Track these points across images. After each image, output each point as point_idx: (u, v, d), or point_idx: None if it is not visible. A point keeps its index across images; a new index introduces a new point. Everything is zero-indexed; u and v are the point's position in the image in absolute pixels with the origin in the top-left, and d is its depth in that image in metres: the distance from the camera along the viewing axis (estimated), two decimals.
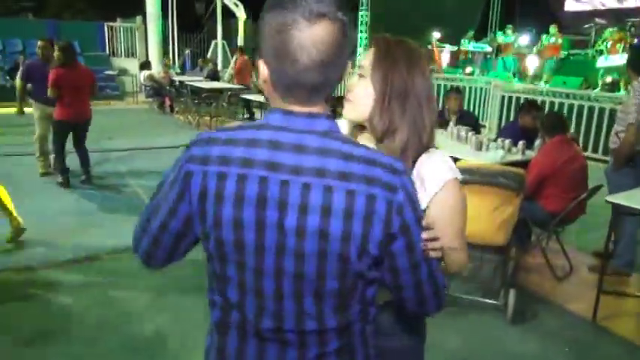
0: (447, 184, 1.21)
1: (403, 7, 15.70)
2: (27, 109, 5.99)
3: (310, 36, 0.86)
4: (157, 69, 12.53)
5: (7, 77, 11.33)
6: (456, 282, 3.31)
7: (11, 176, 5.91)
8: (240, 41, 13.77)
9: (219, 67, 13.69)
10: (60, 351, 2.72)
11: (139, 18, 14.48)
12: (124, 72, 14.05)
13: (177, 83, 11.22)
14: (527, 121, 4.64)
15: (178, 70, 13.92)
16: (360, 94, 1.25)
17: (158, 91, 11.41)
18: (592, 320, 3.14)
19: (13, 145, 7.17)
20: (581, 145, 7.38)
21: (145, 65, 12.08)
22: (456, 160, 3.50)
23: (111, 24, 14.95)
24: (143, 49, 14.40)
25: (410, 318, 1.31)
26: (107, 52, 14.81)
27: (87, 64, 13.51)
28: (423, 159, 1.25)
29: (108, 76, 13.53)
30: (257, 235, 0.90)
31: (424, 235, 0.96)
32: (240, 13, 12.80)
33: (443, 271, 1.09)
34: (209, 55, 14.93)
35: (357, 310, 0.98)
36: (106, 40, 14.78)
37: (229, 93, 9.43)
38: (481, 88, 10.47)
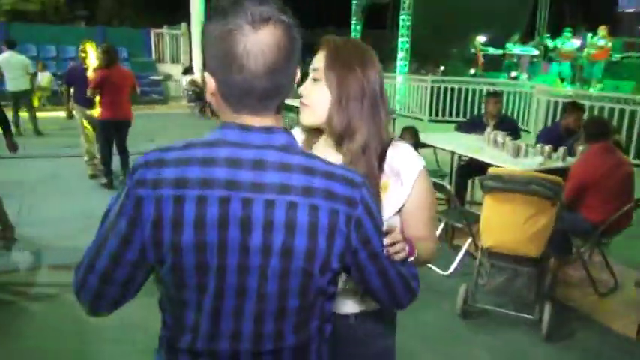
0: (420, 173, 1.26)
1: (446, 10, 15.42)
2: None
3: (256, 41, 0.84)
4: (198, 74, 12.79)
5: (60, 82, 11.89)
6: (487, 293, 3.17)
7: (59, 177, 6.18)
8: None
9: None
10: (82, 355, 2.78)
11: (184, 25, 14.87)
12: (168, 77, 14.46)
13: None
14: (570, 122, 4.47)
15: None
16: (317, 98, 1.24)
17: (199, 95, 11.66)
18: (636, 340, 2.93)
19: (64, 147, 7.50)
20: (633, 151, 7.04)
21: (188, 70, 12.38)
22: (489, 166, 3.38)
23: (157, 31, 15.42)
24: (187, 54, 14.77)
25: (385, 323, 1.39)
26: (153, 57, 15.29)
27: (134, 69, 14.04)
28: (392, 153, 1.26)
29: (153, 81, 13.95)
30: (219, 256, 0.87)
31: (386, 240, 0.98)
32: None
33: (414, 262, 1.12)
34: None
35: (315, 325, 0.98)
36: (153, 47, 15.26)
37: None
38: (526, 93, 10.12)
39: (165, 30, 15.53)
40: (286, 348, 0.94)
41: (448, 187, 3.60)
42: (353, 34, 15.40)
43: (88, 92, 5.30)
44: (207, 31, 0.88)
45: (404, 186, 1.25)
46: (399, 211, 1.27)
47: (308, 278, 0.90)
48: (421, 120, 11.42)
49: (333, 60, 1.21)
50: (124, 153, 5.72)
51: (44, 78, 11.39)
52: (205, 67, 0.91)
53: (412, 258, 1.09)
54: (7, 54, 8.16)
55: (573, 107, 4.65)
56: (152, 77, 13.92)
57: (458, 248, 3.79)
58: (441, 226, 4.00)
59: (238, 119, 0.90)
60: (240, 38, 0.84)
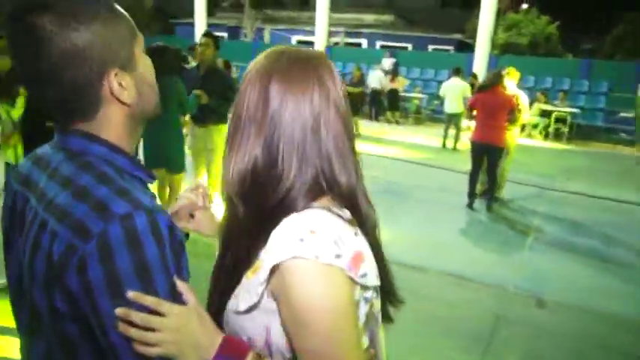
0: (280, 270, 0.78)
1: None
2: None
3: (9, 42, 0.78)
4: None
5: None
6: None
7: (445, 189, 6.69)
8: None
9: None
10: None
11: None
12: None
13: None
14: None
15: None
16: None
17: None
18: None
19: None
20: None
21: None
22: None
23: None
24: None
25: None
26: (638, 93, 13.44)
27: (607, 104, 12.93)
28: (285, 222, 0.82)
29: (624, 119, 12.37)
30: (10, 258, 0.87)
31: (119, 312, 0.71)
32: None
33: None
34: None
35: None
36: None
37: None
38: None
39: None
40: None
41: None
42: None
43: (465, 115, 5.53)
44: None
45: (257, 274, 0.82)
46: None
47: (40, 296, 0.77)
48: None
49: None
50: (490, 177, 5.63)
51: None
52: None
53: None
54: (452, 80, 9.25)
55: None
56: (622, 115, 12.37)
57: None
58: None
59: None
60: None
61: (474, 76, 10.05)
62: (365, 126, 11.31)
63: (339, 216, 0.83)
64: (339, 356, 0.78)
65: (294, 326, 0.79)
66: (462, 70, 9.28)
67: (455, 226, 5.19)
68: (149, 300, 0.72)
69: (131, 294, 0.70)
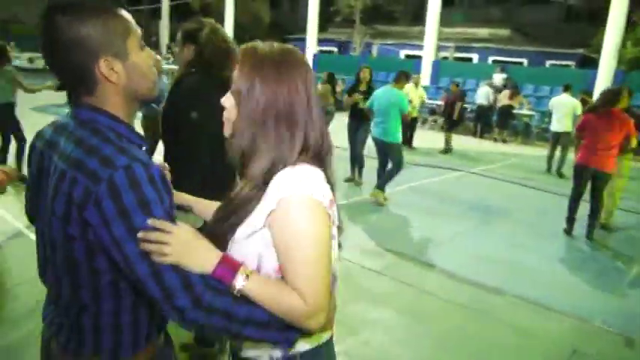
0: (283, 202, 1.04)
1: None
2: None
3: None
4: None
5: None
6: None
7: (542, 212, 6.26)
8: None
9: None
10: None
11: None
12: None
13: None
14: None
15: None
16: (231, 112, 1.13)
17: None
18: None
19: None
20: None
21: None
22: None
23: None
24: None
25: None
26: None
27: None
28: (282, 173, 1.08)
29: None
30: (38, 200, 1.10)
31: (140, 234, 0.95)
32: None
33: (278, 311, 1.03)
34: None
35: (88, 281, 1.04)
36: None
37: None
38: None
39: None
40: (64, 285, 1.07)
41: None
42: None
43: (574, 135, 5.12)
44: None
45: (262, 208, 1.07)
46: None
47: (55, 238, 1.04)
48: None
49: (239, 71, 1.11)
50: (593, 203, 5.14)
51: None
52: None
53: (236, 288, 1.01)
54: (561, 96, 8.55)
55: None
56: None
57: None
58: None
59: None
60: None
61: (586, 93, 9.16)
62: (464, 142, 10.91)
63: (320, 172, 1.11)
64: (316, 269, 1.03)
65: (289, 244, 1.04)
66: (571, 87, 8.54)
67: (547, 251, 4.83)
68: (158, 223, 0.97)
69: (149, 220, 0.95)
